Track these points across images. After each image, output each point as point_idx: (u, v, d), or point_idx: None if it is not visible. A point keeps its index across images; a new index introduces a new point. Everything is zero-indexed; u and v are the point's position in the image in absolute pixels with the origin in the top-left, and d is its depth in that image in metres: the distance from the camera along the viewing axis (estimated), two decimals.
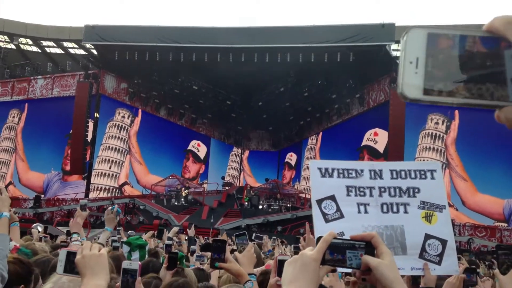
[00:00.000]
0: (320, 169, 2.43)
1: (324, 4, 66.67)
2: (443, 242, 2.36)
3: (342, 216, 2.27)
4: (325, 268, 1.10)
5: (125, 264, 2.13)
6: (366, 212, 2.34)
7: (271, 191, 29.26)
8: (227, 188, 31.04)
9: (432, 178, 2.46)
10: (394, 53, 26.14)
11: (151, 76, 28.73)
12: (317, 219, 2.26)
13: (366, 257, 1.08)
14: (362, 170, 2.45)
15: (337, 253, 1.09)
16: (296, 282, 1.08)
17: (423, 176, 2.46)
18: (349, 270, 1.15)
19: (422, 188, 2.43)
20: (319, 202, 2.30)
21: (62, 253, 1.93)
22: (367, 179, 2.43)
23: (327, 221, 2.26)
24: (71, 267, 1.88)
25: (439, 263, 2.35)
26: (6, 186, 28.97)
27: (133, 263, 2.14)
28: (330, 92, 28.17)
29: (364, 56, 23.56)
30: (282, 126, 33.98)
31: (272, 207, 25.56)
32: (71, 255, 1.88)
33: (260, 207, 25.58)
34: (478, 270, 5.11)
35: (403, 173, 2.46)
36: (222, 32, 25.74)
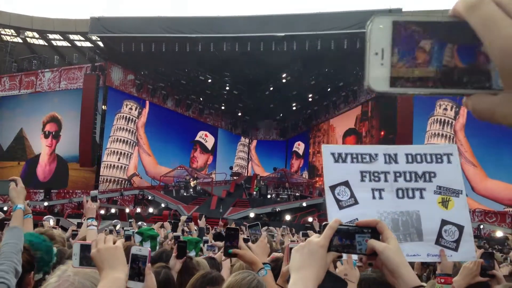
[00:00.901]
0: (333, 154, 2.38)
1: None
2: (460, 228, 2.32)
3: (356, 203, 2.24)
4: (332, 254, 1.12)
5: (134, 250, 2.10)
6: (381, 197, 2.30)
7: (279, 180, 29.30)
8: (235, 178, 31.11)
9: (449, 162, 2.40)
10: None
11: (157, 67, 28.73)
12: (330, 205, 2.22)
13: (372, 241, 1.10)
14: (376, 155, 2.39)
15: (346, 238, 1.10)
16: (304, 269, 1.10)
17: (439, 160, 2.40)
18: (355, 257, 1.15)
19: (438, 172, 2.37)
20: (333, 188, 2.27)
21: (76, 246, 1.91)
22: (382, 163, 2.37)
23: (340, 207, 2.22)
24: (86, 259, 1.87)
25: (456, 249, 2.31)
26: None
27: (143, 248, 2.11)
28: (337, 80, 28.03)
29: None
30: (289, 115, 33.92)
31: (280, 196, 25.59)
32: (85, 248, 1.88)
33: (269, 196, 25.63)
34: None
35: (418, 157, 2.40)
36: (228, 21, 25.60)
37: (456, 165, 2.41)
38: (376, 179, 2.34)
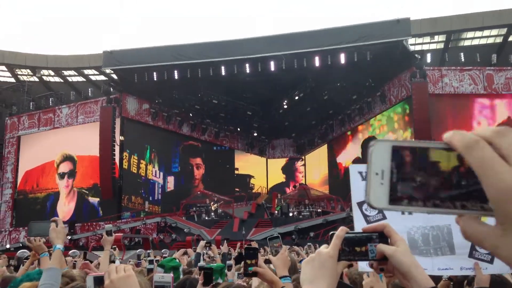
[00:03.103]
0: (360, 173, 2.39)
1: (333, 7, 66.46)
2: None
3: (384, 217, 2.23)
4: (342, 264, 1.14)
5: (157, 278, 2.11)
6: (410, 213, 2.29)
7: (300, 197, 29.10)
8: (255, 198, 31.01)
9: None
10: (412, 47, 25.84)
11: (171, 95, 29.09)
12: (358, 221, 2.22)
13: (381, 246, 1.09)
14: None
15: (358, 246, 1.11)
16: (315, 281, 1.11)
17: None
18: (366, 268, 1.14)
19: None
20: (360, 204, 2.26)
21: (89, 280, 1.93)
22: None
23: (368, 223, 2.21)
24: None
25: (491, 261, 2.26)
26: None
27: (166, 276, 2.12)
28: (350, 93, 27.98)
29: (381, 53, 23.32)
30: (304, 131, 33.86)
31: (302, 214, 25.38)
32: (98, 280, 1.89)
33: (291, 214, 25.44)
34: None
35: None
36: (236, 44, 25.89)
37: None
38: None
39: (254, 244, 7.85)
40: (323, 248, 1.15)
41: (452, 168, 0.57)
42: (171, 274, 2.15)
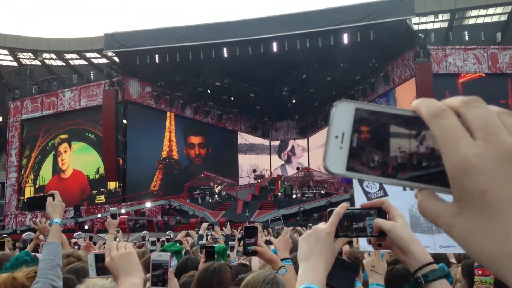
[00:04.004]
0: None
1: None
2: None
3: (386, 194, 2.21)
4: (341, 241, 1.14)
5: (155, 256, 2.11)
6: (412, 189, 2.28)
7: (303, 179, 29.15)
8: (259, 180, 31.08)
9: None
10: (415, 27, 25.55)
11: (173, 77, 28.98)
12: (358, 198, 2.21)
13: (378, 221, 1.08)
14: None
15: (356, 222, 1.10)
16: (311, 258, 1.10)
17: None
18: (368, 247, 1.13)
19: None
20: (361, 181, 2.24)
21: (90, 257, 1.93)
22: None
23: (369, 199, 2.19)
24: (102, 269, 1.87)
25: None
26: None
27: (163, 254, 2.12)
28: (353, 74, 27.78)
29: (384, 33, 23.07)
30: (308, 113, 33.75)
31: (306, 195, 25.48)
32: (99, 257, 1.89)
33: (294, 196, 25.54)
34: None
35: None
36: (238, 25, 25.66)
37: None
38: None
39: (258, 225, 7.89)
40: (321, 225, 1.14)
41: (415, 138, 0.54)
42: (169, 253, 2.15)
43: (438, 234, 2.23)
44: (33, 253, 3.85)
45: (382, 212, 1.10)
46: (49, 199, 2.91)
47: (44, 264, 2.56)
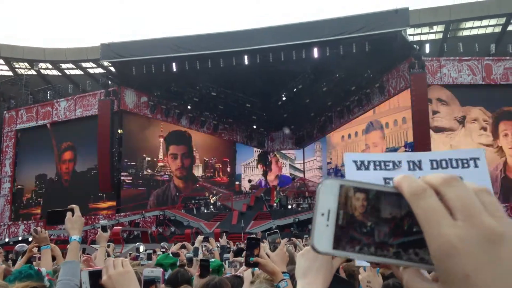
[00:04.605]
0: (355, 161, 2.35)
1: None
2: None
3: None
4: (339, 258, 1.08)
5: (147, 272, 2.06)
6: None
7: (298, 190, 29.11)
8: (254, 191, 31.02)
9: (476, 166, 2.33)
10: (410, 38, 25.72)
11: (169, 87, 28.99)
12: None
13: None
14: (400, 162, 2.34)
15: None
16: (309, 275, 1.08)
17: (465, 165, 2.33)
18: (363, 262, 1.10)
19: (465, 177, 2.28)
20: None
21: (84, 275, 1.86)
22: (406, 170, 2.33)
23: None
24: (97, 286, 1.82)
25: None
26: None
27: (155, 270, 2.08)
28: (349, 85, 27.89)
29: (380, 44, 23.21)
30: (303, 123, 33.83)
31: (301, 206, 25.41)
32: (94, 274, 1.84)
33: (290, 207, 25.46)
34: None
35: (443, 162, 2.34)
36: (234, 35, 25.74)
37: (484, 169, 2.33)
38: None
39: (259, 235, 7.84)
40: None
41: (400, 216, 0.53)
42: (161, 269, 2.11)
43: None
44: (37, 267, 3.78)
45: None
46: (69, 214, 2.78)
47: (61, 285, 2.46)
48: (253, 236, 2.70)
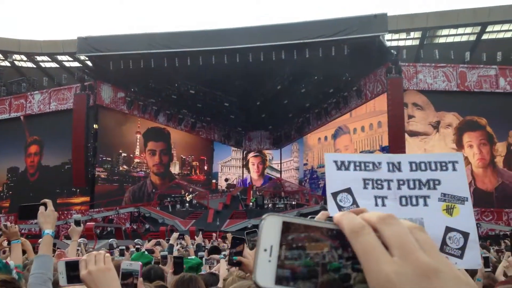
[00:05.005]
0: (335, 162, 2.38)
1: (312, 1, 66.62)
2: (465, 235, 2.31)
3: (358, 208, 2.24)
4: None
5: (125, 265, 2.06)
6: (383, 205, 2.31)
7: (275, 190, 29.23)
8: (230, 190, 31.00)
9: (454, 169, 2.38)
10: (388, 43, 26.12)
11: (147, 84, 28.71)
12: (332, 212, 2.23)
13: None
14: (379, 163, 2.39)
15: None
16: None
17: (444, 168, 2.38)
18: None
19: (443, 180, 2.36)
20: (335, 195, 2.27)
21: (61, 265, 1.83)
22: (385, 171, 2.37)
23: None
24: (74, 276, 1.79)
25: (461, 256, 2.29)
26: None
27: (134, 263, 2.08)
28: (327, 87, 28.14)
29: (358, 48, 23.50)
30: (281, 124, 33.97)
31: (277, 206, 25.52)
32: (70, 265, 1.81)
33: (265, 206, 25.55)
34: (489, 255, 5.09)
35: (422, 165, 2.39)
36: (215, 34, 25.69)
37: (462, 172, 2.39)
38: (379, 187, 2.35)
39: (229, 236, 7.84)
40: None
41: (340, 252, 0.55)
42: (139, 262, 2.12)
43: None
44: (5, 260, 3.72)
45: None
46: (41, 208, 2.76)
47: (34, 278, 2.44)
48: (238, 236, 2.74)
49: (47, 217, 2.75)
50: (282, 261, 0.55)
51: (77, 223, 4.12)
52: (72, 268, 1.80)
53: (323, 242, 0.55)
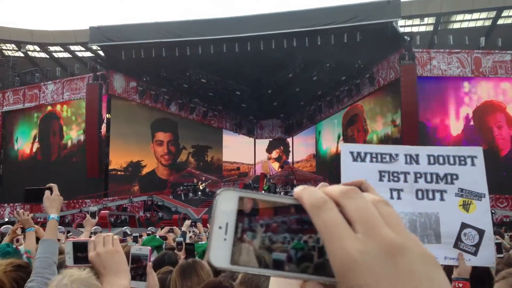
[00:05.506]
0: (352, 153, 2.35)
1: None
2: (481, 232, 2.29)
3: None
4: None
5: (135, 250, 2.07)
6: (399, 198, 2.28)
7: (287, 178, 29.25)
8: (242, 178, 31.10)
9: (473, 164, 2.33)
10: (401, 29, 25.78)
11: (159, 73, 28.78)
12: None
13: None
14: (397, 155, 2.35)
15: None
16: None
17: (462, 162, 2.34)
18: None
19: (461, 174, 2.33)
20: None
21: (68, 245, 1.85)
22: (402, 164, 2.33)
23: None
24: (81, 257, 1.81)
25: (475, 253, 2.27)
26: None
27: (143, 248, 2.09)
28: (339, 74, 27.93)
29: (371, 34, 23.24)
30: (293, 112, 33.87)
31: (289, 194, 25.35)
32: (78, 246, 1.83)
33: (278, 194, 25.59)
34: (501, 241, 5.03)
35: (441, 158, 2.34)
36: (226, 22, 25.59)
37: (481, 168, 2.34)
38: (395, 179, 2.33)
39: None
40: None
41: (300, 228, 0.51)
42: (149, 247, 2.13)
43: (444, 246, 2.24)
44: (15, 245, 3.79)
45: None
46: (47, 192, 2.76)
47: (39, 262, 2.47)
48: None
49: (52, 202, 2.75)
50: (238, 239, 0.51)
51: (93, 214, 4.17)
52: (79, 249, 1.81)
53: (282, 220, 0.52)
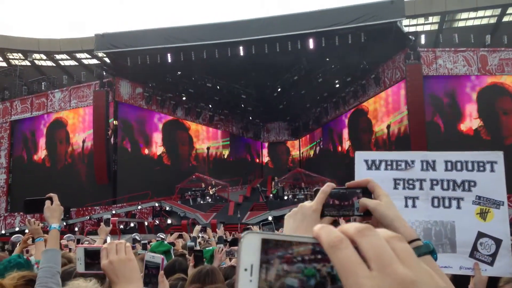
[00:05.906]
0: (366, 161, 2.29)
1: None
2: (497, 242, 2.23)
3: None
4: (327, 219, 1.09)
5: (148, 257, 2.09)
6: (414, 206, 2.24)
7: (295, 181, 29.19)
8: (250, 181, 31.09)
9: (492, 170, 2.26)
10: (406, 29, 25.70)
11: (164, 78, 28.88)
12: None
13: (363, 200, 1.07)
14: (413, 161, 2.29)
15: (342, 201, 1.09)
16: (297, 233, 1.07)
17: (481, 168, 2.26)
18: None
19: (479, 181, 2.26)
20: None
21: (80, 251, 1.84)
22: (418, 170, 2.27)
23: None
24: (92, 263, 1.81)
25: (491, 263, 2.22)
26: None
27: (156, 256, 2.11)
28: (344, 75, 27.88)
29: (375, 35, 23.18)
30: (299, 114, 33.83)
31: (297, 197, 25.49)
32: (90, 253, 1.82)
33: (286, 198, 25.54)
34: None
35: (459, 164, 2.27)
36: (230, 26, 25.63)
37: (500, 174, 2.26)
38: (411, 187, 2.27)
39: (255, 229, 7.86)
40: (307, 203, 1.13)
41: (321, 266, 0.53)
42: (161, 256, 2.14)
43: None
44: (26, 256, 3.80)
45: (367, 192, 1.08)
46: (47, 203, 2.78)
47: (43, 272, 2.48)
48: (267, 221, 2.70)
49: (53, 212, 2.77)
50: (263, 280, 0.53)
51: (107, 222, 4.17)
52: (91, 256, 1.81)
53: (305, 258, 0.54)
